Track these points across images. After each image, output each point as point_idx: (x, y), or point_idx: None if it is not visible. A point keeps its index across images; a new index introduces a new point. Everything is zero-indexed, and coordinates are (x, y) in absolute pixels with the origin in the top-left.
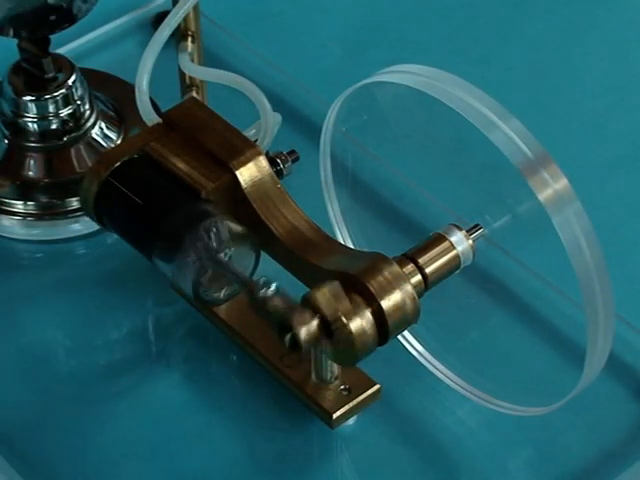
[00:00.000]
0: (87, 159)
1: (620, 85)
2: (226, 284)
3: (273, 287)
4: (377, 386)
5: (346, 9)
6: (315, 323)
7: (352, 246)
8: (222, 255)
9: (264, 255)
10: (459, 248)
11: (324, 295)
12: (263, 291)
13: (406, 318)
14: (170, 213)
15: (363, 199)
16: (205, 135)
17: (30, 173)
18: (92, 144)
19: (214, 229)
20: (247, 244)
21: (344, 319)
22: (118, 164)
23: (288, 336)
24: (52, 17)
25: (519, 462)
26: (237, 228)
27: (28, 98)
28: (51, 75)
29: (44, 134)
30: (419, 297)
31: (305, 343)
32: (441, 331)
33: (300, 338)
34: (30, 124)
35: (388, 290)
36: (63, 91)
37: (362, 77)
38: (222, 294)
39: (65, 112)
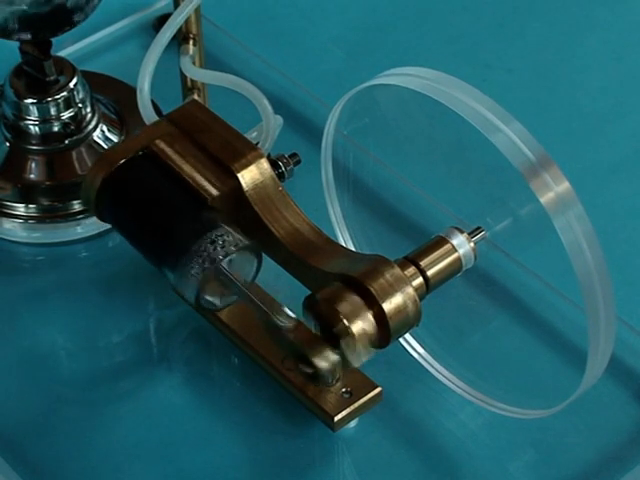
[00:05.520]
0: (89, 162)
1: (621, 87)
2: (227, 292)
3: (294, 317)
4: (379, 389)
5: (347, 12)
6: (335, 357)
7: (354, 249)
8: (224, 264)
9: (266, 257)
10: (461, 251)
11: (325, 298)
12: (284, 321)
13: (407, 321)
14: (172, 218)
15: (365, 202)
16: (206, 138)
17: (31, 176)
18: (94, 147)
19: (217, 239)
20: (249, 252)
21: (345, 321)
22: (121, 162)
23: (309, 369)
24: (53, 20)
25: (520, 464)
26: (240, 237)
27: (30, 101)
28: (52, 78)
29: (45, 137)
30: (421, 300)
31: (326, 374)
32: (443, 334)
33: (322, 372)
34: (32, 127)
35: (389, 293)
36: (65, 94)
37: (364, 80)
38: (223, 301)
39: (67, 115)
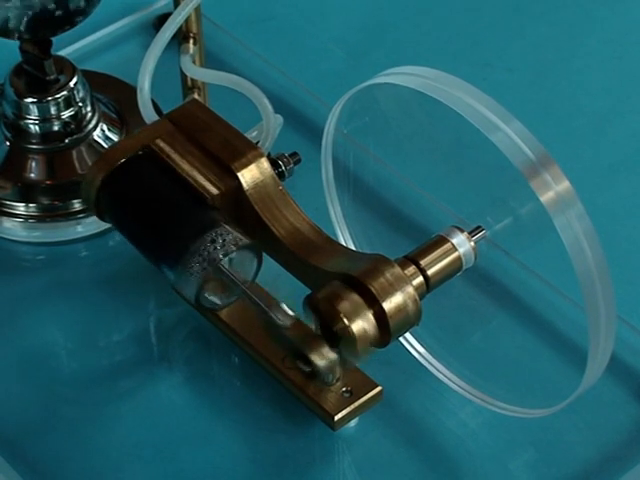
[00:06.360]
0: (89, 161)
1: (621, 87)
2: (227, 291)
3: (292, 315)
4: (379, 388)
5: (348, 11)
6: (333, 355)
7: (354, 248)
8: (224, 263)
9: (266, 257)
10: (461, 250)
11: (325, 297)
12: (283, 319)
13: (408, 320)
14: (172, 217)
15: (365, 201)
16: (207, 137)
17: (32, 175)
18: (94, 146)
19: (217, 238)
20: (249, 251)
21: (346, 320)
22: (121, 161)
23: (307, 368)
24: (54, 19)
25: (520, 463)
26: (240, 237)
27: (30, 100)
28: (53, 77)
29: (46, 136)
30: (421, 299)
31: (325, 373)
32: (443, 333)
33: (320, 369)
34: (32, 126)
35: (390, 292)
36: (65, 93)
37: (364, 79)
38: (223, 300)
39: (67, 114)
